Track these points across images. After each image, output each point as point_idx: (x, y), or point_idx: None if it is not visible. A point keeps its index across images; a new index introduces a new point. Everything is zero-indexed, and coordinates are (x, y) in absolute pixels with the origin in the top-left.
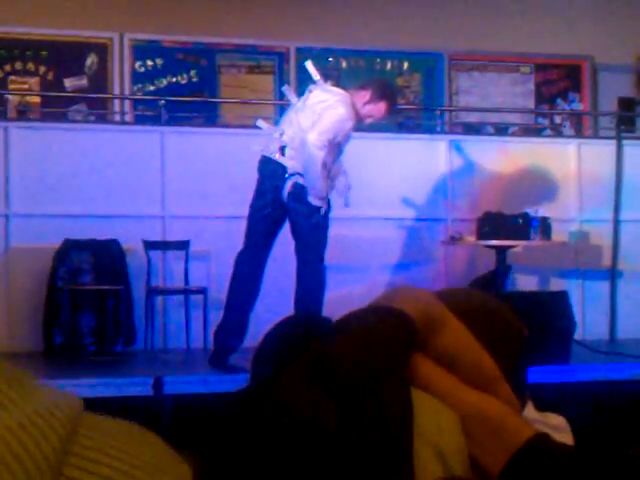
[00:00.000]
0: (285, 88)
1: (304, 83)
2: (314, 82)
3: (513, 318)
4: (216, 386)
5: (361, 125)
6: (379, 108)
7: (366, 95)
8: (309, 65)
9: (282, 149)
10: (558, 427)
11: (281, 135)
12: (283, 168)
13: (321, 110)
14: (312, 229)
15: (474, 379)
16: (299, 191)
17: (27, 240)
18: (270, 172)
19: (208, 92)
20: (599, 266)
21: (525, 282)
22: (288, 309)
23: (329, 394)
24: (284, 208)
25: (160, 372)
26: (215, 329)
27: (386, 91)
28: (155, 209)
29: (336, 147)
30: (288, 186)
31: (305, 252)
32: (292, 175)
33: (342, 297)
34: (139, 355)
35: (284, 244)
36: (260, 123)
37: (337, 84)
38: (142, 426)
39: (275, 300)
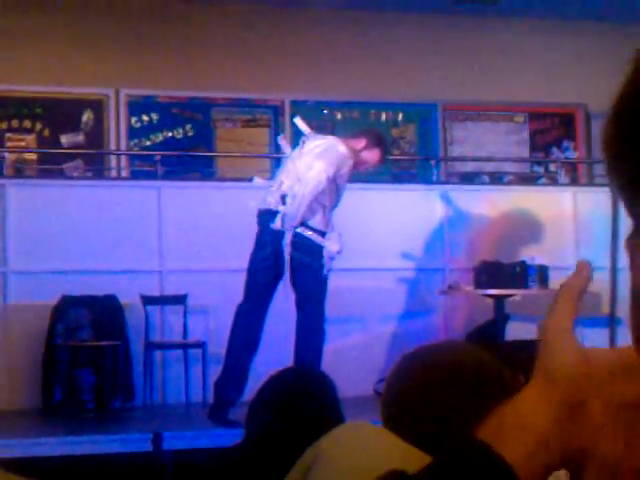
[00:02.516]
0: (280, 138)
1: (299, 135)
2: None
3: (505, 372)
4: (216, 440)
5: (357, 176)
6: (374, 155)
7: (361, 142)
8: (298, 121)
9: (283, 198)
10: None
11: (280, 185)
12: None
13: (321, 151)
14: (313, 280)
15: None
16: (300, 240)
17: (24, 297)
18: (269, 223)
19: (204, 146)
20: (598, 313)
21: (524, 330)
22: (287, 361)
23: None
24: (284, 259)
25: (159, 428)
26: (215, 381)
27: (380, 139)
28: (152, 264)
29: (335, 191)
30: (288, 236)
31: (305, 303)
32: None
33: (339, 349)
34: (138, 411)
35: (284, 296)
36: (256, 181)
37: (332, 136)
38: None
39: (274, 352)
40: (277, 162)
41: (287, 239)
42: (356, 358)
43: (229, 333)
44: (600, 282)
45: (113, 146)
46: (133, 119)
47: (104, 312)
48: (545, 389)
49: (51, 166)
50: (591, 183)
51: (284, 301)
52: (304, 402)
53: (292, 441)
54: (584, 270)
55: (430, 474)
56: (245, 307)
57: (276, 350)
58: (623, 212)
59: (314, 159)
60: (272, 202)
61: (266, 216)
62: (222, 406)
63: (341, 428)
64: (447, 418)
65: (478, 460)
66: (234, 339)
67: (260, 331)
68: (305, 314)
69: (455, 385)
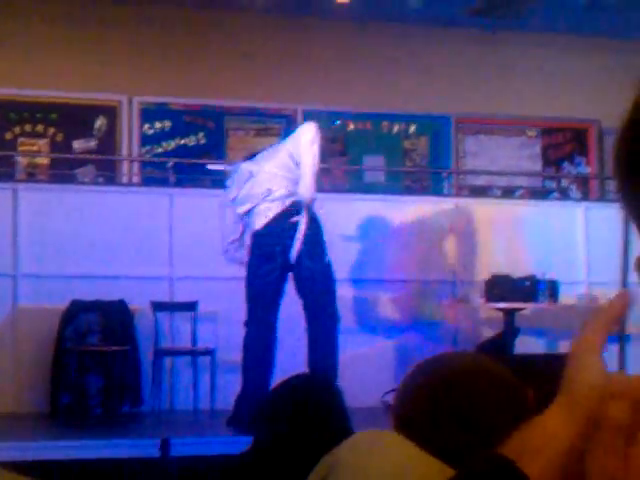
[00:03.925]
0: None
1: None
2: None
3: (516, 383)
4: (224, 448)
5: (369, 187)
6: None
7: None
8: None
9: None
10: None
11: (269, 193)
12: (290, 226)
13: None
14: (324, 284)
15: None
16: (309, 247)
17: (34, 300)
18: (278, 232)
19: (216, 154)
20: None
21: (533, 345)
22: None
23: None
24: (289, 268)
25: (167, 433)
26: (236, 398)
27: None
28: (163, 270)
29: None
30: (298, 244)
31: (319, 309)
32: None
33: (347, 359)
34: (146, 416)
35: (290, 305)
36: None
37: (344, 146)
38: None
39: (291, 363)
40: None
41: (297, 245)
42: (364, 369)
43: (242, 351)
44: (610, 298)
45: (125, 152)
46: (146, 126)
47: (114, 317)
48: (568, 408)
49: (63, 171)
50: (603, 198)
51: (294, 309)
52: (311, 410)
53: (299, 449)
54: (624, 298)
55: None
56: (253, 323)
57: (291, 361)
58: (634, 228)
59: (291, 142)
60: (274, 208)
61: (272, 227)
62: (243, 419)
63: (358, 436)
64: (461, 427)
65: (502, 476)
66: (248, 358)
67: (274, 346)
68: (319, 319)
69: (469, 394)
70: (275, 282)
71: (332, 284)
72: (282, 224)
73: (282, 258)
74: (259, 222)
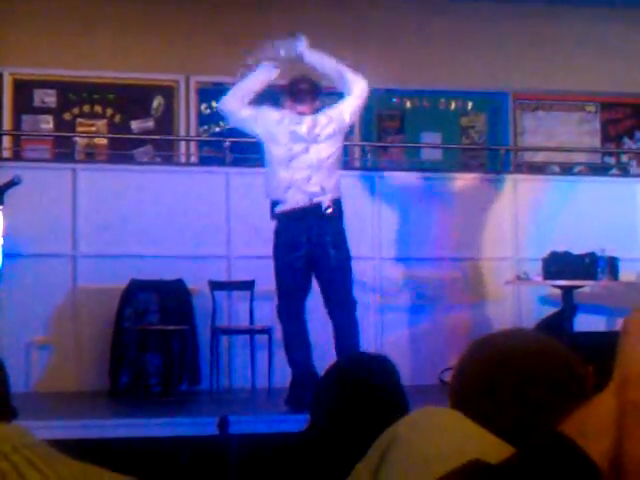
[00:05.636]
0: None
1: (369, 123)
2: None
3: (575, 361)
4: (282, 426)
5: (426, 164)
6: (289, 105)
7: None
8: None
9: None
10: None
11: (309, 180)
12: (317, 220)
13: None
14: (346, 273)
15: None
16: (335, 238)
17: (94, 280)
18: (303, 224)
19: None
20: None
21: (593, 322)
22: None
23: None
24: (313, 258)
25: (225, 412)
26: (289, 384)
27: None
28: (220, 249)
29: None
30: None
31: (341, 297)
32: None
33: (405, 337)
34: (204, 395)
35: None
36: None
37: (401, 124)
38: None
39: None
40: (345, 149)
41: (327, 235)
42: (422, 347)
43: (283, 340)
44: None
45: (182, 132)
46: (203, 105)
47: (172, 297)
48: (621, 387)
49: (121, 151)
50: None
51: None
52: (368, 387)
53: (357, 427)
54: None
55: (515, 465)
56: (285, 311)
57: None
58: None
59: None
60: (306, 198)
61: (299, 217)
62: (300, 400)
63: (416, 413)
64: (519, 405)
65: (562, 454)
66: (289, 344)
67: (306, 328)
68: (346, 304)
69: (527, 372)
70: (302, 270)
71: (351, 272)
72: (308, 218)
73: (307, 247)
74: (290, 204)
